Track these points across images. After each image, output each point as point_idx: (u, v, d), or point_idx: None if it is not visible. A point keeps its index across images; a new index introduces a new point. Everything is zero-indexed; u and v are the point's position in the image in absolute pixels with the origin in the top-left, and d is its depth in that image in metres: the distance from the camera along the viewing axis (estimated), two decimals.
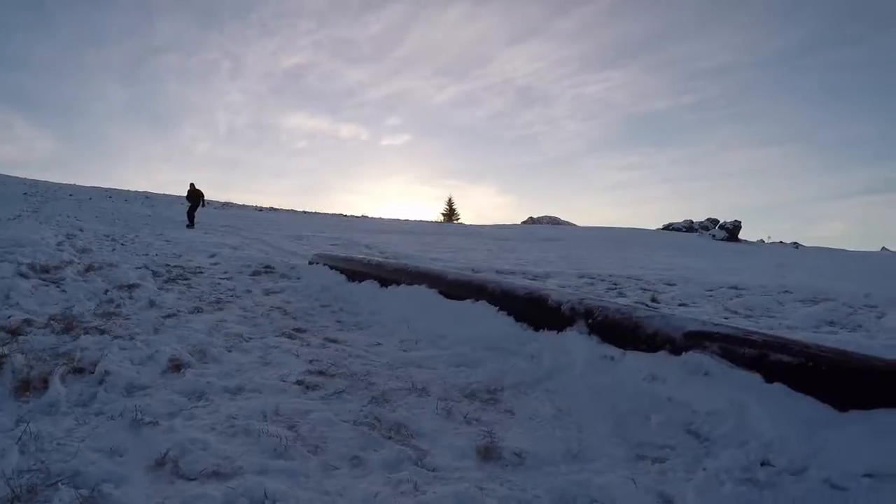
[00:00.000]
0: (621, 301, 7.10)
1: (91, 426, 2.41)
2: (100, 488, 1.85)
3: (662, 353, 3.37)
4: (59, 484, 1.88)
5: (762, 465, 2.41)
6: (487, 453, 2.41)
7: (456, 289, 5.13)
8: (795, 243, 38.53)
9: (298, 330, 4.52)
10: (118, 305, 4.86)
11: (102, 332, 3.92)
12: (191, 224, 21.33)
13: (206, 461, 2.12)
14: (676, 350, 3.32)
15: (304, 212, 39.75)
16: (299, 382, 3.16)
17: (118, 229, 14.23)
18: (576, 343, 3.76)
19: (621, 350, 3.57)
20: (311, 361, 3.58)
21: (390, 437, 2.50)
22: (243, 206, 38.55)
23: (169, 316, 4.64)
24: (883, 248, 40.37)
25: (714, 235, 38.36)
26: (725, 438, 2.64)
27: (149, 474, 2.04)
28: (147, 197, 34.69)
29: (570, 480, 2.23)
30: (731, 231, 39.06)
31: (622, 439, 2.70)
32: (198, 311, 4.94)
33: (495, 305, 4.58)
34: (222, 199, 40.42)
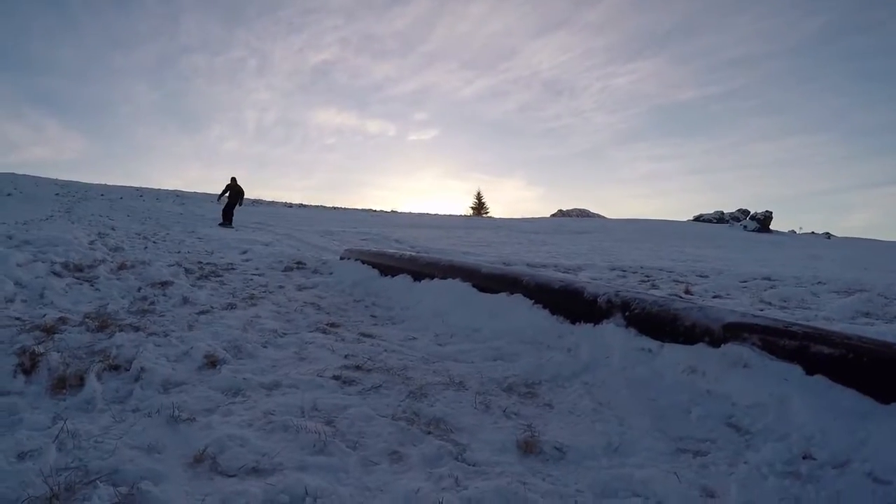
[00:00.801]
0: (655, 293, 7.03)
1: (128, 423, 2.40)
2: (139, 486, 1.83)
3: (701, 346, 3.31)
4: (98, 482, 1.86)
5: (804, 458, 2.38)
6: (528, 447, 2.37)
7: (490, 282, 5.09)
8: (827, 234, 38.22)
9: (332, 325, 4.51)
10: (152, 303, 4.87)
11: (137, 329, 3.92)
12: (227, 223, 19.86)
13: (245, 457, 2.10)
14: (715, 342, 3.26)
15: (334, 207, 39.96)
16: (336, 377, 3.14)
17: (149, 227, 14.35)
18: (613, 336, 3.71)
19: (659, 342, 3.51)
20: (346, 356, 3.56)
21: (429, 432, 2.47)
22: (272, 203, 38.78)
23: (203, 312, 4.65)
24: None
25: (745, 226, 38.13)
26: (766, 431, 2.61)
27: (187, 471, 2.03)
28: (178, 195, 35.01)
29: (612, 474, 2.21)
30: (762, 222, 38.80)
31: (662, 433, 2.66)
32: (231, 308, 4.94)
33: (530, 299, 4.53)
34: (252, 196, 40.73)
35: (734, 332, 3.23)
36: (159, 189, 38.21)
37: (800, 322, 3.36)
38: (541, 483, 2.07)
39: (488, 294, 4.92)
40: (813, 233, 39.53)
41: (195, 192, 38.55)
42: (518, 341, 3.99)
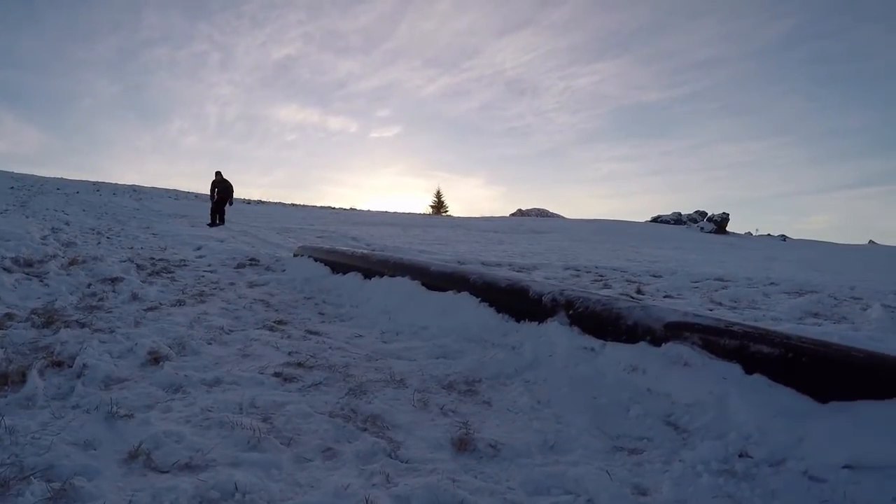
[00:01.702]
0: (606, 293, 7.13)
1: (67, 420, 2.40)
2: (72, 481, 1.85)
3: (643, 344, 3.39)
4: (32, 477, 1.87)
5: (740, 456, 2.43)
6: (462, 445, 2.41)
7: (438, 280, 5.14)
8: (783, 236, 38.90)
9: (280, 322, 4.52)
10: (101, 299, 4.85)
11: (83, 325, 3.91)
12: (218, 222, 18.14)
13: (180, 453, 2.12)
14: (657, 341, 3.34)
15: (293, 204, 39.70)
16: (277, 374, 3.16)
17: (105, 223, 14.15)
18: (557, 334, 3.77)
19: (602, 341, 3.58)
20: (290, 354, 3.58)
21: (365, 429, 2.50)
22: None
23: (150, 309, 4.64)
24: (870, 241, 40.69)
25: (702, 228, 38.66)
26: (704, 430, 2.66)
27: (122, 467, 2.04)
28: (135, 190, 34.55)
29: (545, 472, 2.24)
30: (719, 223, 39.41)
31: (600, 431, 2.71)
32: (180, 304, 4.94)
33: (477, 297, 4.59)
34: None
35: (675, 331, 3.31)
36: (117, 184, 37.65)
37: (740, 322, 3.43)
38: (472, 480, 2.11)
39: (436, 292, 4.97)
40: (769, 235, 40.20)
41: (153, 188, 38.14)
42: (463, 339, 4.04)
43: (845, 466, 2.28)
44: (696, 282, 9.06)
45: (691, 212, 43.38)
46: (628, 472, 2.30)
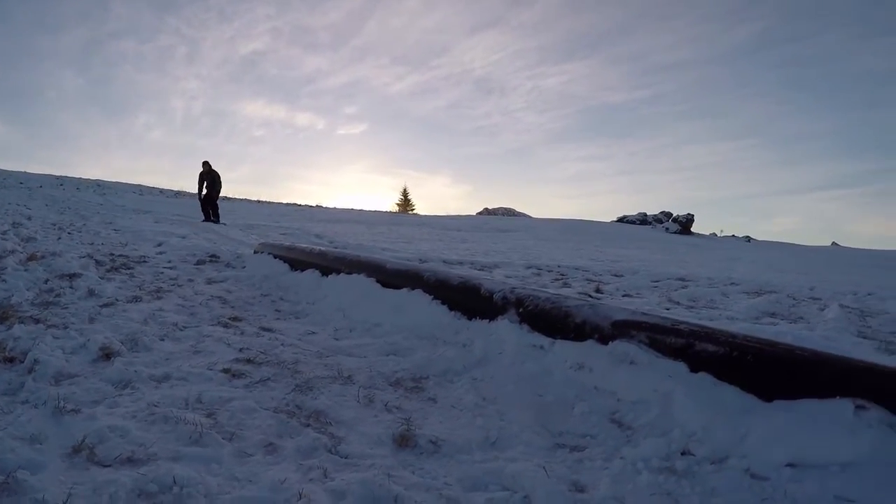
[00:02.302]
0: (565, 291, 7.22)
1: (15, 415, 2.43)
2: (15, 475, 1.88)
3: (590, 342, 3.46)
4: None
5: (683, 454, 2.47)
6: (403, 441, 2.46)
7: (394, 278, 5.20)
8: (747, 237, 39.34)
9: (235, 319, 4.56)
10: (57, 295, 4.84)
11: (38, 321, 3.91)
12: (213, 218, 17.76)
13: (123, 448, 2.16)
14: (604, 339, 3.41)
15: (258, 201, 39.49)
16: (226, 371, 3.19)
17: (67, 218, 14.00)
18: (506, 332, 3.84)
19: (551, 339, 3.65)
20: (241, 350, 3.62)
21: (308, 425, 2.55)
22: (196, 195, 38.14)
23: (106, 305, 4.63)
24: (833, 242, 41.18)
25: (667, 228, 38.96)
26: (648, 427, 2.71)
27: (65, 461, 2.08)
28: (99, 185, 34.21)
29: (484, 468, 2.29)
30: (684, 224, 39.74)
31: (543, 428, 2.76)
32: (136, 301, 4.94)
33: (430, 294, 4.66)
34: (175, 187, 39.96)
35: (623, 329, 3.39)
36: (81, 178, 37.25)
37: (687, 321, 3.52)
38: (409, 476, 2.16)
39: (391, 290, 5.03)
40: (734, 236, 40.59)
41: (118, 182, 37.76)
42: (415, 336, 4.10)
43: (788, 464, 2.34)
44: (656, 281, 9.18)
45: (657, 212, 43.63)
46: (567, 469, 2.35)
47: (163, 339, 3.76)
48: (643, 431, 2.68)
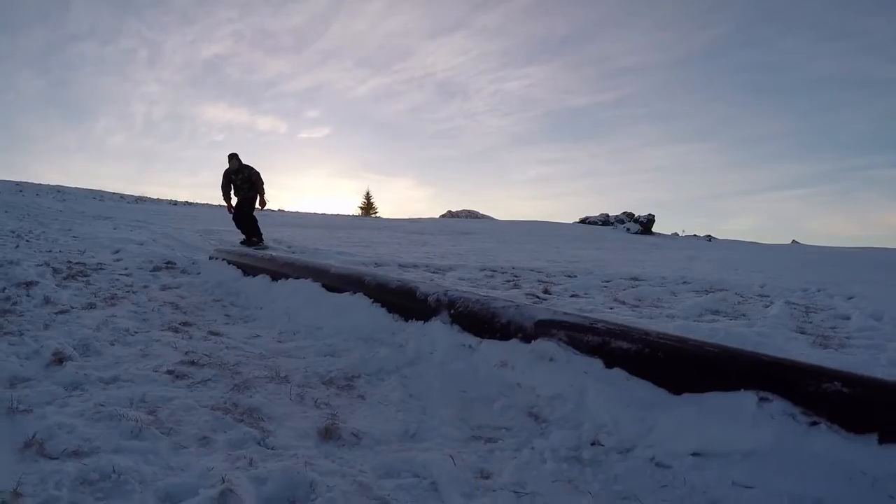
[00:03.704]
0: (514, 293, 7.48)
1: None
2: None
3: (514, 341, 3.71)
4: None
5: (592, 444, 2.65)
6: (327, 434, 2.68)
7: (337, 282, 5.44)
8: (708, 236, 39.68)
9: (185, 324, 4.73)
10: (14, 303, 4.96)
11: None
12: (254, 238, 13.19)
13: (70, 442, 2.36)
14: (527, 338, 3.65)
15: (220, 206, 39.24)
16: (170, 372, 3.39)
17: (26, 224, 13.90)
18: (438, 332, 4.09)
19: (479, 338, 3.90)
20: (186, 353, 3.80)
21: (241, 421, 2.77)
22: (158, 200, 37.79)
23: (62, 312, 4.78)
24: (794, 241, 41.68)
25: (628, 229, 39.25)
26: (562, 420, 2.90)
27: (16, 455, 2.27)
28: (59, 190, 33.79)
29: (399, 458, 2.50)
30: (645, 225, 40.18)
31: (463, 422, 2.97)
32: (91, 307, 5.09)
33: (370, 298, 4.89)
34: (136, 192, 39.63)
35: (544, 328, 3.63)
36: (40, 184, 36.81)
37: (605, 319, 3.77)
38: (328, 464, 2.38)
39: (335, 293, 5.25)
40: (696, 235, 40.84)
41: (78, 188, 37.40)
42: (354, 338, 4.32)
43: (693, 454, 2.49)
44: (607, 281, 9.41)
45: (619, 213, 43.94)
46: (477, 458, 2.55)
47: (113, 344, 3.93)
48: (557, 424, 2.87)
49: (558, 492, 2.30)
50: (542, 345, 3.54)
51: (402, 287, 4.84)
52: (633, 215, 42.35)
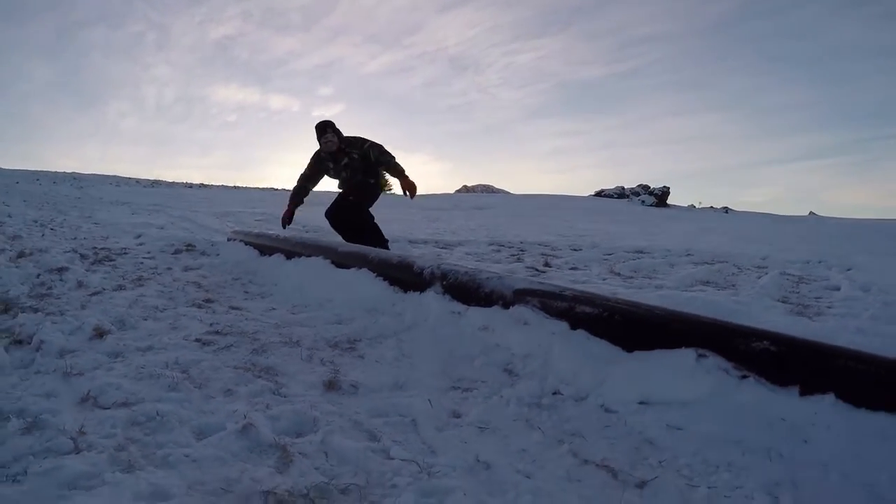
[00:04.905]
0: (516, 266, 7.90)
1: (31, 381, 3.06)
2: (40, 416, 2.52)
3: (496, 308, 4.15)
4: (10, 416, 2.55)
5: (553, 394, 3.01)
6: (330, 385, 3.15)
7: (345, 258, 5.92)
8: (726, 208, 39.06)
9: (208, 301, 5.20)
10: (49, 287, 5.40)
11: (36, 310, 4.49)
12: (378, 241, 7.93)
13: (118, 396, 2.83)
14: (507, 305, 4.11)
15: (235, 187, 39.37)
16: (197, 340, 3.89)
17: (47, 213, 14.18)
18: (432, 301, 4.55)
19: (466, 306, 4.36)
20: (211, 325, 4.29)
21: (259, 377, 3.25)
22: (172, 184, 38.05)
23: (94, 294, 5.25)
24: (811, 212, 41.37)
25: (643, 201, 38.86)
26: (531, 374, 3.26)
27: (76, 407, 2.72)
28: (75, 178, 34.14)
29: (388, 403, 2.97)
30: (660, 197, 39.83)
31: (446, 375, 3.42)
32: (121, 289, 5.56)
33: (374, 272, 5.37)
34: (151, 176, 40.01)
35: (521, 296, 4.07)
36: (56, 172, 37.29)
37: (572, 287, 4.24)
38: (330, 407, 2.85)
39: (342, 269, 5.73)
40: (712, 207, 40.05)
41: (93, 174, 37.81)
42: (359, 308, 4.78)
43: (640, 402, 2.84)
44: (609, 254, 9.66)
45: (635, 185, 43.54)
46: (452, 403, 3.01)
47: (146, 320, 4.40)
48: (526, 377, 3.27)
49: (515, 428, 2.76)
50: (519, 310, 3.99)
51: (401, 262, 5.30)
52: (649, 188, 42.07)
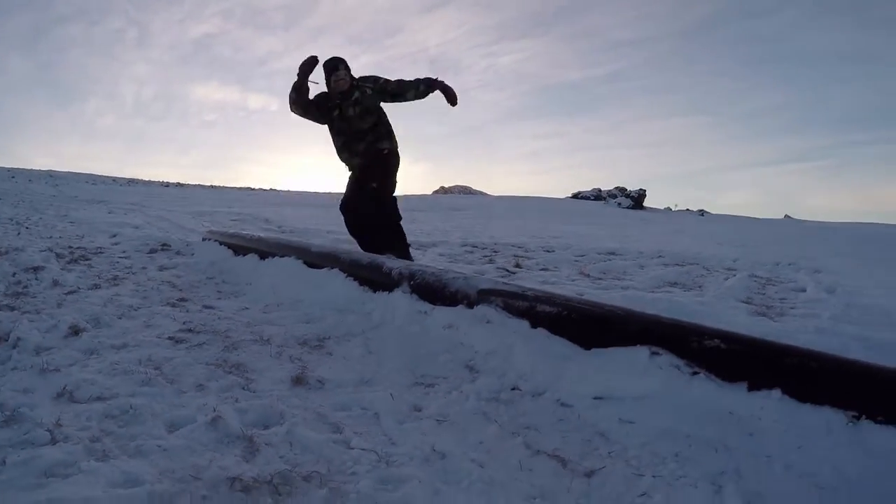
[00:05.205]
0: (487, 268, 8.02)
1: (8, 377, 3.15)
2: (18, 410, 2.63)
3: (461, 307, 4.29)
4: None
5: (512, 389, 3.14)
6: (298, 381, 3.28)
7: (317, 259, 6.03)
8: (701, 211, 39.32)
9: (182, 300, 5.30)
10: (25, 286, 5.48)
11: (13, 309, 4.59)
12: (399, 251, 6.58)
13: (93, 391, 2.94)
14: (471, 304, 4.25)
15: (212, 186, 39.29)
16: (171, 338, 3.99)
17: (22, 211, 14.09)
18: (400, 301, 4.69)
19: (432, 305, 4.49)
20: (184, 323, 4.40)
21: (230, 373, 3.38)
22: (149, 182, 37.97)
23: (70, 293, 5.33)
24: (786, 215, 41.58)
25: (620, 203, 39.08)
26: (492, 371, 3.39)
27: (52, 401, 2.83)
28: (51, 175, 33.98)
29: (352, 397, 3.10)
30: (636, 199, 40.11)
31: (410, 372, 3.55)
32: (96, 288, 5.64)
33: (345, 273, 5.50)
34: (128, 175, 39.78)
35: (485, 296, 4.22)
36: (32, 170, 37.01)
37: (535, 287, 4.41)
38: (296, 401, 2.98)
39: (315, 269, 5.84)
40: (688, 210, 40.42)
41: (70, 172, 37.53)
42: (329, 308, 4.90)
43: (595, 398, 2.97)
44: (581, 255, 9.80)
45: (612, 188, 43.71)
46: (414, 398, 3.15)
47: (120, 318, 4.49)
48: (487, 373, 3.35)
49: (473, 421, 2.90)
50: (482, 310, 4.14)
51: (371, 262, 5.44)
52: (626, 190, 42.25)
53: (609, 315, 3.70)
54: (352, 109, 6.52)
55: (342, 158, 6.87)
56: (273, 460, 2.40)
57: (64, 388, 2.98)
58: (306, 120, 6.91)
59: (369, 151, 6.64)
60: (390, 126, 6.78)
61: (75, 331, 4.04)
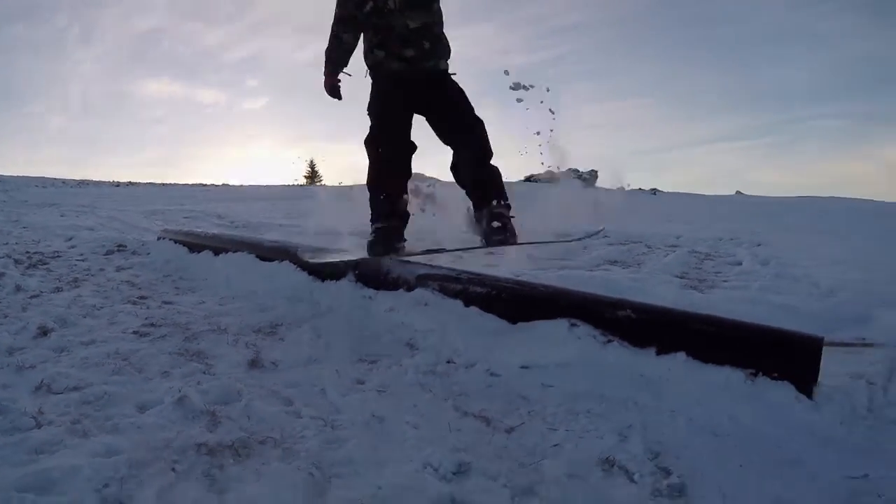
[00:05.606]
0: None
1: None
2: (1, 403, 2.91)
3: (401, 291, 4.64)
4: None
5: (447, 362, 3.44)
6: (253, 364, 3.63)
7: (269, 253, 6.30)
8: (654, 190, 39.77)
9: (142, 297, 5.55)
10: None
11: None
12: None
13: (69, 383, 3.24)
14: (410, 288, 4.60)
15: (164, 184, 38.83)
16: (135, 332, 4.27)
17: None
18: (346, 288, 5.02)
19: (376, 291, 4.83)
20: (146, 318, 4.65)
21: (191, 360, 3.70)
22: (99, 183, 37.35)
23: (34, 296, 5.52)
24: (737, 191, 42.05)
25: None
26: (429, 347, 3.71)
27: (32, 394, 3.12)
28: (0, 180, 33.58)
29: (302, 376, 3.45)
30: (588, 181, 40.40)
31: (354, 351, 3.87)
32: (58, 290, 5.84)
33: (295, 264, 5.78)
34: (78, 176, 39.20)
35: (423, 280, 4.60)
36: None
37: (468, 270, 4.79)
38: (252, 381, 3.33)
39: (267, 262, 6.10)
40: (641, 189, 40.68)
41: (18, 176, 36.84)
42: (281, 297, 5.21)
43: (522, 367, 3.32)
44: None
45: (565, 170, 43.65)
46: (358, 373, 3.50)
47: (85, 317, 4.72)
48: (425, 350, 3.69)
49: (410, 391, 3.27)
50: (421, 293, 4.52)
51: (318, 253, 5.74)
52: (578, 171, 42.39)
53: (534, 292, 4.14)
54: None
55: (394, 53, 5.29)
56: (233, 430, 2.77)
57: (41, 382, 3.26)
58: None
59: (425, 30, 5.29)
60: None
61: (44, 331, 4.27)
